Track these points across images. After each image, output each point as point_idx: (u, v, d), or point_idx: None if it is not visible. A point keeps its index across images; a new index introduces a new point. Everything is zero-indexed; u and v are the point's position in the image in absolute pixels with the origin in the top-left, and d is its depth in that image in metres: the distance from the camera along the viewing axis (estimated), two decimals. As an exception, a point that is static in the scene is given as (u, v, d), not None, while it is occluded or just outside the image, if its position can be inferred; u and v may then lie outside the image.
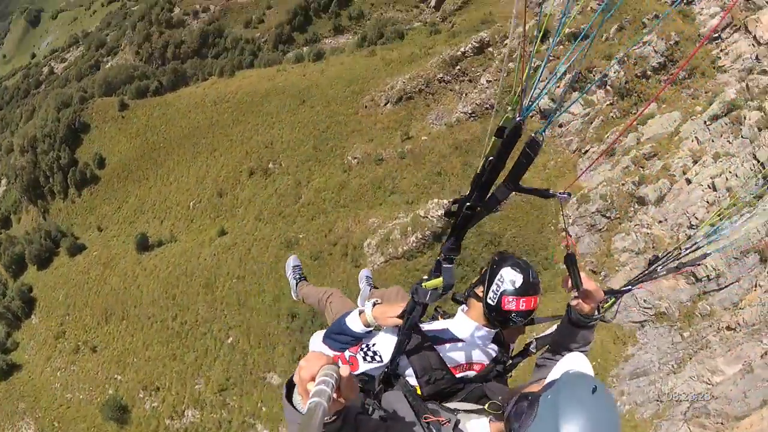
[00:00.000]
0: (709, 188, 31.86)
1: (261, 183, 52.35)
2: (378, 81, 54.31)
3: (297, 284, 5.67)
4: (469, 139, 43.23)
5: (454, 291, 2.93)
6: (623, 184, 37.79)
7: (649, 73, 42.22)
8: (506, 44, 47.86)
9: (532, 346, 3.34)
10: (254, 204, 50.73)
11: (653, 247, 32.50)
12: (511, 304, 2.86)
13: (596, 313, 2.98)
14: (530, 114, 2.08)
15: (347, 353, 2.98)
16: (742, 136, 34.50)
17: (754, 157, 31.84)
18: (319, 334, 3.36)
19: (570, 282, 2.81)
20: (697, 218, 32.47)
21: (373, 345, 2.96)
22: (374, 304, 2.97)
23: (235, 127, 62.38)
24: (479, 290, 3.05)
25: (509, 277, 2.88)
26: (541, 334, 3.37)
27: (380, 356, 2.93)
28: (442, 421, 2.44)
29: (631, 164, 39.41)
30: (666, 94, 41.38)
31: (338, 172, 47.28)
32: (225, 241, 48.55)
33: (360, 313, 2.99)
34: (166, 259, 52.21)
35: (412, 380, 2.92)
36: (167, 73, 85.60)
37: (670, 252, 3.37)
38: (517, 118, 2.12)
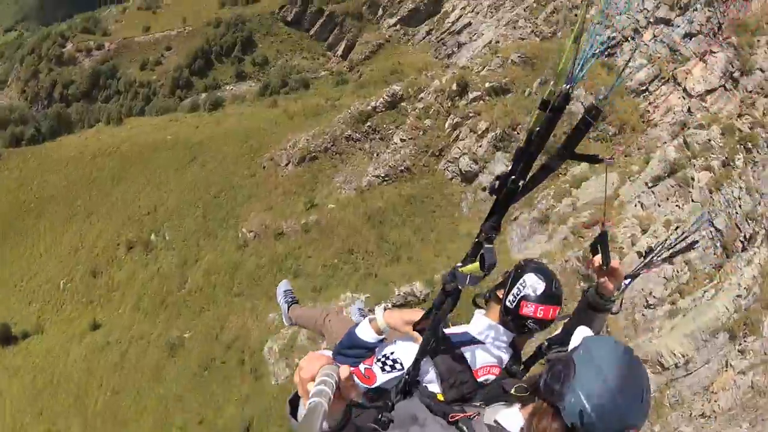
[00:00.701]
0: (664, 262, 27.21)
1: (141, 259, 43.22)
2: (279, 136, 46.97)
3: (289, 307, 5.25)
4: (384, 207, 36.55)
5: (475, 293, 3.05)
6: (566, 260, 32.35)
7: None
8: (421, 98, 41.97)
9: (543, 347, 2.94)
10: (132, 287, 41.51)
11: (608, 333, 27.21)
12: (529, 309, 2.78)
13: (615, 293, 2.86)
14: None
15: (362, 366, 2.64)
16: (692, 200, 30.47)
17: (711, 224, 27.85)
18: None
19: (597, 261, 2.68)
20: (655, 297, 28.15)
21: (391, 353, 2.68)
22: (385, 309, 2.77)
23: (116, 186, 52.80)
24: (500, 292, 2.95)
25: (531, 283, 2.82)
26: (552, 335, 3.01)
27: (400, 363, 2.65)
28: (471, 415, 2.24)
29: (570, 234, 34.09)
30: (596, 152, 36.57)
31: (231, 248, 39.23)
32: (97, 338, 38.96)
33: (370, 321, 2.74)
34: (32, 358, 41.72)
35: (433, 386, 2.70)
36: (49, 118, 74.34)
37: (662, 243, 3.18)
38: (567, 86, 1.96)
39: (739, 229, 31.22)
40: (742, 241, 29.55)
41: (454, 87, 40.28)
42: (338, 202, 38.38)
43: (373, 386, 2.63)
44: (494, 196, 2.20)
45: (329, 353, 1.92)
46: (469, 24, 64.23)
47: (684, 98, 38.58)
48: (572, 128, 2.05)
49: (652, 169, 33.80)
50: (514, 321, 2.85)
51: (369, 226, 35.90)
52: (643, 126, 38.65)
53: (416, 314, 2.68)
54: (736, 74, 38.21)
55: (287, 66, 73.75)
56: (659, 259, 3.27)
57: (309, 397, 1.46)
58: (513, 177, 2.11)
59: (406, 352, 2.68)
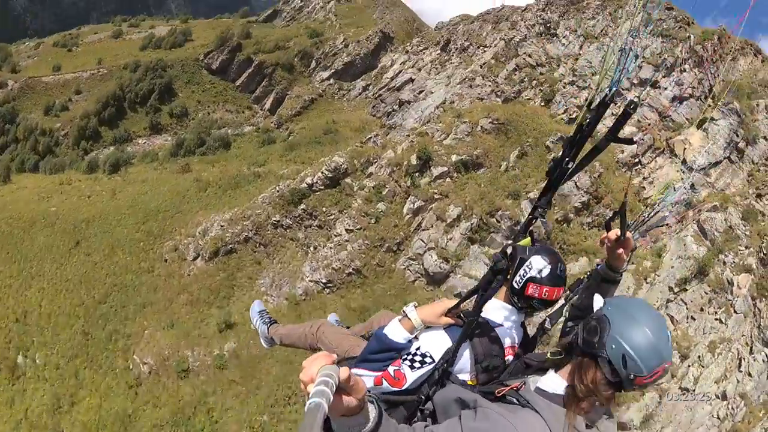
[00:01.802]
0: (718, 398, 22.04)
1: (6, 392, 29.76)
2: (187, 217, 35.58)
3: (269, 328, 4.52)
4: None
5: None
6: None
7: (570, 215, 28.75)
8: (371, 173, 32.08)
9: (547, 323, 2.97)
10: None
11: None
12: (534, 290, 2.76)
13: (625, 265, 2.83)
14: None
15: (391, 369, 2.59)
16: (735, 311, 24.30)
17: (767, 345, 22.57)
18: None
19: (613, 234, 2.68)
20: (709, 441, 20.84)
21: (418, 349, 2.62)
22: (414, 307, 2.71)
23: (-24, 276, 39.07)
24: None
25: (537, 265, 2.77)
26: (553, 310, 2.97)
27: (430, 356, 2.60)
28: (518, 386, 2.22)
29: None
30: (593, 245, 28.31)
31: (120, 387, 27.05)
32: None
33: (401, 320, 2.67)
34: None
35: (463, 375, 2.66)
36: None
37: (636, 219, 3.18)
38: (614, 87, 2.22)
39: (788, 342, 24.10)
40: (792, 359, 21.88)
41: (414, 160, 30.78)
42: (263, 317, 27.47)
43: (404, 387, 2.56)
44: (548, 177, 2.44)
45: (335, 356, 1.62)
46: (411, 80, 55.85)
47: (683, 172, 31.13)
48: (616, 119, 2.25)
49: (673, 268, 26.37)
50: (521, 301, 2.83)
51: (308, 354, 25.08)
52: (640, 207, 30.64)
53: (446, 304, 2.68)
54: (741, 144, 31.43)
55: (208, 120, 62.64)
56: (637, 233, 3.05)
57: (309, 398, 1.38)
58: (567, 159, 2.37)
59: (433, 344, 2.63)
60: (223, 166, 46.24)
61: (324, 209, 31.23)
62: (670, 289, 25.99)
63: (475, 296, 2.67)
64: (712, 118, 32.31)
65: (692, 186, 30.57)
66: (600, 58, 37.05)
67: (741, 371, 22.73)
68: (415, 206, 29.34)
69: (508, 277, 2.81)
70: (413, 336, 2.66)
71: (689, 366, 23.32)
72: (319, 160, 35.49)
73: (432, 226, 28.64)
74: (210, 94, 69.14)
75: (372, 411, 1.66)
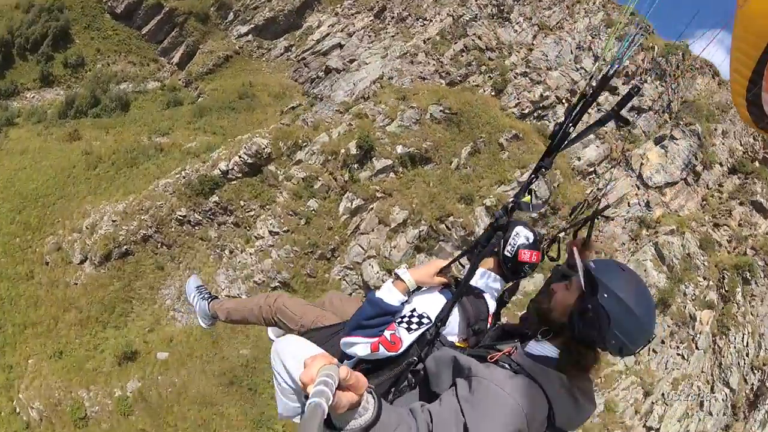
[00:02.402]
0: None
1: None
2: (72, 204, 28.52)
3: (209, 303, 3.98)
4: (251, 353, 21.36)
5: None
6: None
7: (523, 228, 25.07)
8: (300, 161, 26.71)
9: (505, 296, 3.06)
10: None
11: None
12: (525, 255, 2.89)
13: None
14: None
15: (387, 333, 2.55)
16: (697, 347, 23.35)
17: (726, 384, 22.17)
18: (285, 339, 2.59)
19: (579, 241, 2.73)
20: None
21: (413, 311, 2.63)
22: (406, 269, 2.71)
23: None
24: (493, 246, 2.85)
25: (524, 233, 2.94)
26: (507, 287, 3.11)
27: (426, 317, 2.61)
28: (509, 351, 2.19)
29: None
30: (548, 263, 25.00)
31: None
32: None
33: (394, 282, 2.65)
34: None
35: (453, 337, 2.68)
36: None
37: (581, 204, 2.81)
38: (616, 67, 2.27)
39: (746, 380, 22.66)
40: (749, 397, 21.84)
41: (354, 149, 25.87)
42: (172, 343, 21.88)
43: (400, 350, 2.55)
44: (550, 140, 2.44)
45: (322, 350, 1.74)
46: (340, 46, 50.08)
47: (638, 187, 28.95)
48: (621, 97, 2.27)
49: None
50: (513, 268, 2.93)
51: (230, 395, 20.14)
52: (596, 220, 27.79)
53: (438, 264, 2.71)
54: (699, 167, 29.54)
55: (107, 72, 53.21)
56: (580, 220, 3.06)
57: (309, 398, 1.37)
58: (569, 124, 2.41)
59: (429, 305, 2.64)
60: (119, 132, 38.63)
61: (242, 203, 25.71)
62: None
63: (469, 255, 2.78)
64: (672, 136, 30.28)
65: (647, 204, 28.51)
66: (557, 53, 33.68)
67: (702, 410, 21.66)
68: (353, 205, 24.65)
69: (495, 249, 2.87)
70: (406, 298, 2.63)
71: (653, 403, 21.52)
72: (235, 137, 29.45)
73: (373, 230, 24.18)
74: (111, 42, 58.56)
75: (371, 401, 1.60)
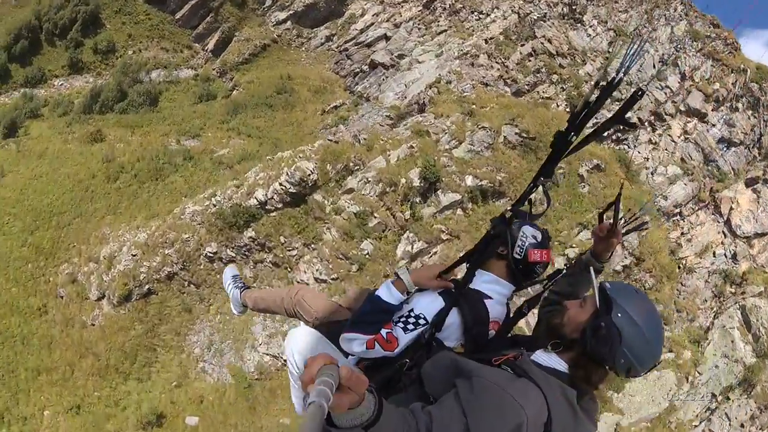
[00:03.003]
0: None
1: None
2: (89, 225, 24.80)
3: (242, 292, 4.17)
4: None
5: None
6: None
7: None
8: (351, 189, 22.44)
9: (525, 308, 2.96)
10: None
11: None
12: (536, 255, 2.78)
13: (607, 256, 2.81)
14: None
15: (383, 332, 2.53)
16: None
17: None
18: (298, 330, 2.95)
19: (606, 225, 2.65)
20: None
21: (411, 311, 2.59)
22: (407, 269, 2.67)
23: None
24: (501, 249, 2.83)
25: (530, 233, 2.81)
26: (530, 297, 3.01)
27: (424, 318, 2.58)
28: (514, 356, 2.16)
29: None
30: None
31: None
32: None
33: (394, 282, 2.64)
34: None
35: (450, 342, 2.63)
36: None
37: (618, 219, 2.77)
38: (622, 72, 2.15)
39: None
40: None
41: (417, 180, 21.52)
42: (202, 406, 18.18)
43: (396, 351, 2.53)
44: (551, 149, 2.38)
45: (325, 345, 1.81)
46: (386, 38, 45.10)
47: (725, 234, 24.22)
48: (624, 102, 2.16)
49: (717, 368, 20.91)
50: (525, 269, 2.81)
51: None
52: (676, 272, 23.84)
53: (439, 268, 2.65)
54: None
55: (137, 59, 49.58)
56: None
57: (309, 398, 1.36)
58: (571, 133, 2.30)
59: (427, 306, 2.60)
60: (146, 133, 34.85)
61: (282, 239, 21.61)
62: (713, 396, 19.97)
63: (468, 261, 2.77)
64: (765, 180, 25.38)
65: (734, 255, 23.76)
66: (640, 66, 28.73)
67: None
68: (414, 249, 20.39)
69: (503, 252, 2.80)
70: (405, 298, 2.60)
71: None
72: (274, 155, 25.24)
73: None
74: (143, 27, 54.65)
75: (371, 400, 1.59)
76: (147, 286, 20.97)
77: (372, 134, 25.57)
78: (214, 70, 49.81)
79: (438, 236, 20.55)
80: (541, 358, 2.17)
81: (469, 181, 21.57)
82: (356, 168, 23.11)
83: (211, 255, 21.36)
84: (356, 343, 2.53)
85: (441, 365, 2.24)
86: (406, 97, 33.51)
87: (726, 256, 24.28)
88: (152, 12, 54.67)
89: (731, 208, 25.14)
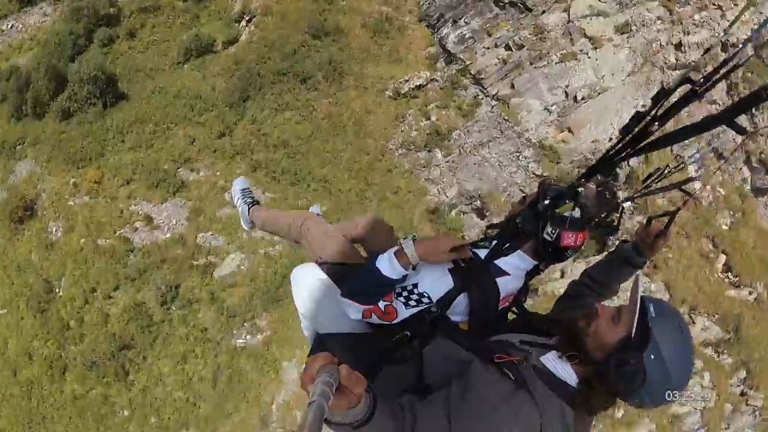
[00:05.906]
0: None
1: None
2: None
3: (249, 209, 3.74)
4: None
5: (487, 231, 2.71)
6: None
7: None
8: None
9: (541, 266, 2.59)
10: None
11: None
12: (570, 239, 2.35)
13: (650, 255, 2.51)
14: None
15: (381, 304, 2.25)
16: None
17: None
18: (304, 268, 2.70)
19: (656, 228, 2.40)
20: None
21: (416, 286, 2.26)
22: (413, 240, 2.22)
23: None
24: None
25: (567, 213, 2.41)
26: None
27: (428, 297, 2.25)
28: (518, 359, 1.88)
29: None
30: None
31: None
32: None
33: (396, 255, 2.18)
34: None
35: (457, 317, 2.34)
36: None
37: (661, 170, 2.47)
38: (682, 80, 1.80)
39: None
40: None
41: None
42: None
43: (395, 321, 2.29)
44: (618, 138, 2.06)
45: (335, 358, 1.59)
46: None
47: None
48: (740, 99, 1.67)
49: None
50: (554, 252, 2.41)
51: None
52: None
53: (449, 242, 2.24)
54: None
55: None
56: (656, 187, 2.49)
57: (308, 398, 1.33)
58: (649, 117, 1.85)
59: (432, 285, 2.28)
60: (98, 175, 19.29)
61: None
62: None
63: (493, 244, 2.42)
64: None
65: None
66: None
67: None
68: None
69: (532, 231, 2.40)
70: (407, 273, 2.22)
71: None
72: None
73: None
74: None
75: (367, 401, 1.52)
76: None
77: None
78: None
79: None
80: (553, 365, 1.90)
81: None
82: None
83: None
84: (352, 310, 2.26)
85: (444, 356, 2.09)
86: (563, 111, 15.81)
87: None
88: None
89: None
